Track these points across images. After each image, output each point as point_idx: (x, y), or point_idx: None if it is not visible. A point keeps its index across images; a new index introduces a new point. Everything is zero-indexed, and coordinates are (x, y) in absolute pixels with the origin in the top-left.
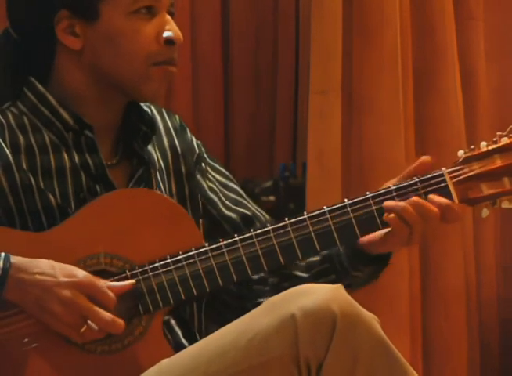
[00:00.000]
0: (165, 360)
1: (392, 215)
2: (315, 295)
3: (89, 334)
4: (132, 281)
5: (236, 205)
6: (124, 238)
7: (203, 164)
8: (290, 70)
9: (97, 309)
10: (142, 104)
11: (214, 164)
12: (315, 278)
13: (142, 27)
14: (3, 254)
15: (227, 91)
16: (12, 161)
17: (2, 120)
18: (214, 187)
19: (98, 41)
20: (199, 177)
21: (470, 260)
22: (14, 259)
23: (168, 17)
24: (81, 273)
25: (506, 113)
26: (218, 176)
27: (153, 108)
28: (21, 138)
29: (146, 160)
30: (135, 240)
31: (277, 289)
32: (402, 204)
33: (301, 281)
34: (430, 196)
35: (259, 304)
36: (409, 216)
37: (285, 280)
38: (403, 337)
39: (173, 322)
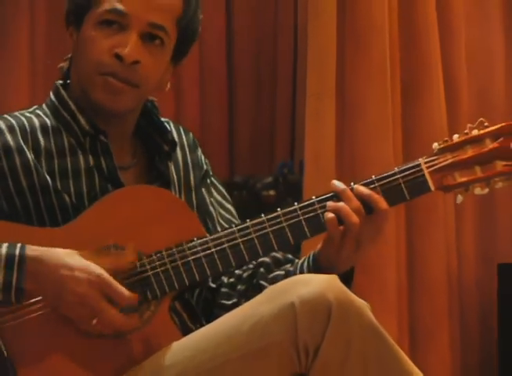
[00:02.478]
0: (175, 343)
1: (331, 215)
2: (312, 285)
3: (99, 327)
4: (134, 254)
5: (227, 223)
6: (132, 231)
7: (208, 180)
8: (288, 76)
9: (107, 308)
10: (162, 120)
11: (216, 184)
12: None
13: (102, 38)
14: (19, 244)
15: (231, 95)
16: (32, 164)
17: (26, 125)
18: (214, 203)
19: (76, 48)
20: (204, 190)
21: (452, 251)
22: (30, 250)
23: (132, 37)
24: (96, 270)
25: (485, 117)
26: (217, 195)
27: (171, 124)
28: (42, 141)
29: (166, 176)
30: (142, 232)
31: (243, 296)
32: (340, 203)
33: None
34: (356, 186)
35: (222, 305)
36: (344, 213)
37: (252, 289)
38: (391, 320)
39: (179, 307)
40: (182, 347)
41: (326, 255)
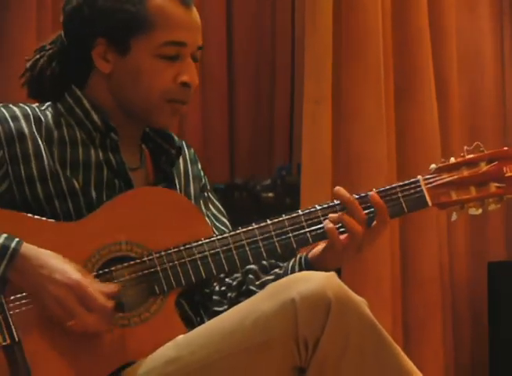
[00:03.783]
0: (181, 336)
1: (331, 225)
2: (311, 282)
3: (76, 328)
4: (115, 286)
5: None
6: (143, 228)
7: (205, 194)
8: (286, 82)
9: (81, 312)
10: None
11: (213, 198)
12: None
13: (164, 68)
14: (17, 238)
15: (231, 101)
16: (43, 150)
17: (42, 118)
18: (210, 215)
19: (124, 72)
20: (201, 202)
21: (444, 247)
22: (25, 247)
23: (190, 62)
24: (75, 274)
25: (475, 119)
26: (213, 208)
27: (175, 137)
28: (56, 133)
29: (171, 178)
30: (153, 230)
31: (234, 302)
32: (342, 214)
33: None
34: (372, 194)
35: (214, 312)
36: (347, 222)
37: (242, 295)
38: (386, 314)
39: (181, 297)
40: (186, 342)
41: (323, 258)
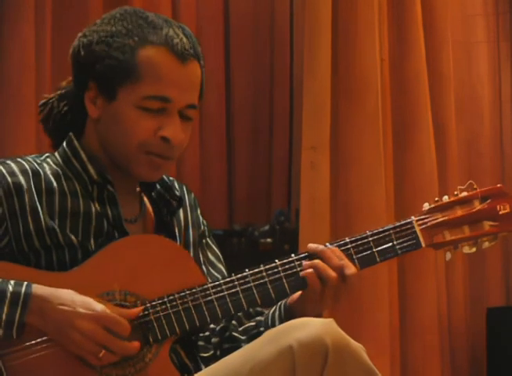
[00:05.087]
0: None
1: (310, 270)
2: (309, 329)
3: (107, 357)
4: (141, 308)
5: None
6: (136, 277)
7: (203, 241)
8: (285, 129)
9: (113, 338)
10: (168, 178)
11: (211, 244)
12: (251, 340)
13: (145, 120)
14: (26, 282)
15: (229, 147)
16: (39, 205)
17: (40, 170)
18: (207, 263)
19: (108, 118)
20: (199, 250)
21: (443, 293)
22: (36, 288)
23: (175, 118)
24: (98, 306)
25: (473, 165)
26: (210, 256)
27: (175, 182)
28: (55, 184)
29: (171, 230)
30: (146, 278)
31: (218, 347)
32: (316, 260)
33: (238, 343)
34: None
35: (201, 358)
36: (321, 268)
37: (225, 341)
38: (384, 360)
39: (177, 345)
40: None
41: (302, 305)
